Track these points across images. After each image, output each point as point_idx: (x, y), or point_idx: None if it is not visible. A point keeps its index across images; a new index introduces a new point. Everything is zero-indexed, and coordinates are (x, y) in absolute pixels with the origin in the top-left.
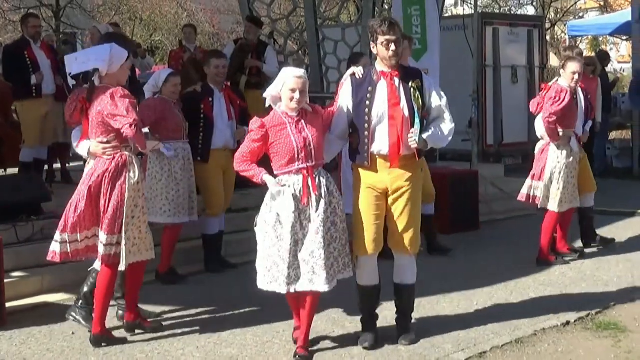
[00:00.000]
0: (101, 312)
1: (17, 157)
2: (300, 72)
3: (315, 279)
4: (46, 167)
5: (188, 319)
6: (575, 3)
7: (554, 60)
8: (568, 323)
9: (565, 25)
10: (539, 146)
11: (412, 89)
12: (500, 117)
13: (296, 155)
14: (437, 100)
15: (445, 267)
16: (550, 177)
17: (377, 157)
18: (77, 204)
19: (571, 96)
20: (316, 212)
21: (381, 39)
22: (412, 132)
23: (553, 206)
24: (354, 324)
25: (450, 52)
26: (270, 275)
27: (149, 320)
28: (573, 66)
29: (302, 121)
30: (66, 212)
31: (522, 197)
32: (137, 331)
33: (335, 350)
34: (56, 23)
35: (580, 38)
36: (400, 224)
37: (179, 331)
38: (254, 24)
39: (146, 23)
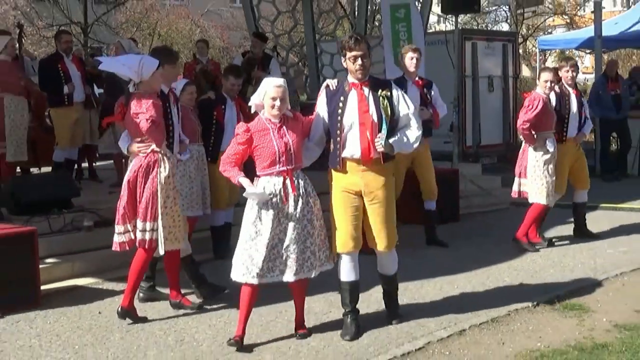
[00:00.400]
0: (131, 290)
1: (51, 157)
2: (280, 81)
3: (286, 270)
4: (76, 166)
5: (198, 300)
6: (545, 20)
7: (525, 71)
8: (538, 304)
9: (535, 40)
10: (522, 147)
11: (380, 98)
12: (478, 122)
13: (277, 159)
14: (405, 108)
15: (430, 255)
16: (533, 175)
17: (349, 160)
18: (122, 198)
19: (544, 103)
20: (294, 210)
21: (349, 54)
22: (379, 137)
23: (542, 200)
24: None
25: (434, 64)
26: (244, 268)
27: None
28: (545, 75)
29: (284, 127)
30: (117, 206)
31: (514, 193)
32: (152, 313)
33: (334, 332)
34: (84, 38)
35: (549, 51)
36: (375, 223)
37: (192, 311)
38: (259, 39)
39: (164, 38)
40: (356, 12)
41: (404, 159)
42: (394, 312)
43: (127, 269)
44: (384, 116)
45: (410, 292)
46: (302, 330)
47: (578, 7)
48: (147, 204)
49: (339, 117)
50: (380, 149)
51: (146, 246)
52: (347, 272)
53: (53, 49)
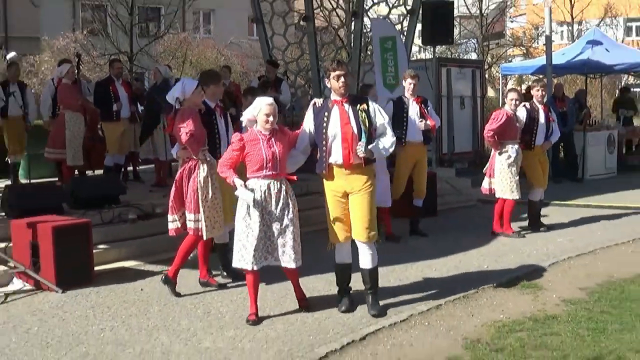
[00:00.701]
0: (178, 265)
1: (102, 163)
2: (271, 100)
3: (277, 257)
4: (122, 169)
5: (223, 281)
6: (506, 51)
7: (490, 92)
8: (501, 284)
9: (498, 67)
10: (492, 152)
11: (359, 112)
12: (452, 134)
13: (265, 164)
14: (381, 119)
15: (413, 243)
16: (499, 175)
17: (334, 166)
18: (170, 194)
19: (509, 117)
20: (275, 209)
21: (333, 74)
22: (360, 145)
23: (507, 195)
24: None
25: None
26: (240, 256)
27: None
28: (512, 95)
29: (272, 138)
30: (169, 201)
31: (484, 190)
32: (185, 289)
33: (333, 308)
34: (130, 65)
35: (509, 76)
36: (357, 217)
37: (217, 289)
38: (272, 65)
39: (194, 64)
40: (352, 43)
41: (409, 164)
42: (375, 307)
43: (165, 254)
44: (362, 127)
45: (396, 274)
46: (304, 303)
47: (532, 40)
48: (190, 200)
49: (324, 130)
50: (361, 154)
51: (192, 233)
52: (341, 257)
53: (106, 74)
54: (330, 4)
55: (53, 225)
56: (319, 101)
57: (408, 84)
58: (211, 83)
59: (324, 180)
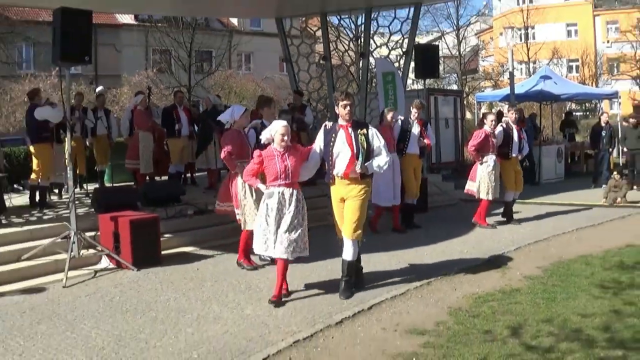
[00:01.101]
0: (242, 250)
1: (167, 170)
2: (285, 123)
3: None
4: (182, 176)
5: (261, 263)
6: (479, 83)
7: (468, 115)
8: (477, 265)
9: (474, 95)
10: (475, 162)
11: (359, 135)
12: (439, 147)
13: (278, 175)
14: (378, 142)
15: (409, 234)
16: (479, 180)
17: (337, 177)
18: (219, 188)
19: (487, 135)
20: (287, 210)
21: (341, 103)
22: (357, 163)
23: (485, 196)
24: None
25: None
26: (265, 246)
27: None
28: (490, 117)
29: (286, 154)
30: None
31: (467, 191)
32: (232, 269)
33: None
34: (189, 95)
35: (482, 103)
36: (347, 220)
37: (259, 269)
38: (298, 94)
39: (238, 94)
40: (360, 77)
41: (410, 170)
42: (344, 292)
43: (215, 241)
44: (360, 148)
45: (397, 258)
46: (284, 292)
47: (499, 75)
48: (235, 199)
49: (331, 148)
50: (358, 170)
51: (238, 222)
52: (345, 250)
53: (170, 102)
54: (343, 47)
55: (130, 218)
56: (329, 124)
57: (413, 112)
58: (265, 106)
59: (330, 187)
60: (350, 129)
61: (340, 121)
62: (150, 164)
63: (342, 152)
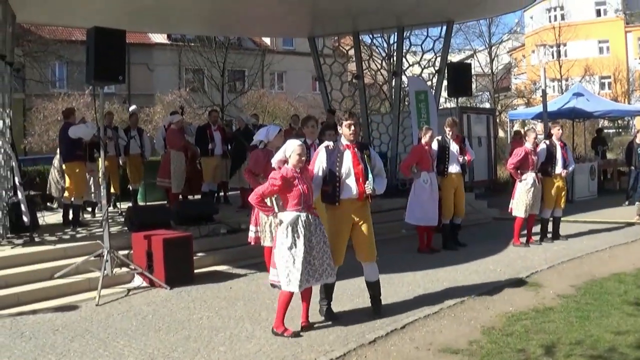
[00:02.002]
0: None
1: (200, 189)
2: (300, 142)
3: (311, 280)
4: (216, 194)
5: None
6: (512, 101)
7: (501, 133)
8: (510, 283)
9: (506, 113)
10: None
11: (365, 156)
12: (472, 165)
13: (301, 199)
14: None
15: (442, 252)
16: (518, 198)
17: (348, 199)
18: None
19: (527, 152)
20: (313, 236)
21: (345, 123)
22: (368, 183)
23: (520, 214)
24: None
25: (443, 129)
26: (287, 280)
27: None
28: (531, 134)
29: (302, 175)
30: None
31: (509, 209)
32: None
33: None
34: (222, 114)
35: (515, 121)
36: (365, 244)
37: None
38: (331, 113)
39: (271, 113)
40: (393, 96)
41: (451, 190)
42: (376, 311)
43: (248, 260)
44: (368, 168)
45: (429, 277)
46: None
47: (532, 93)
48: (256, 216)
49: (338, 168)
50: (369, 191)
51: (253, 241)
52: (371, 273)
53: (203, 121)
54: (376, 65)
55: (163, 237)
56: (330, 144)
57: (447, 130)
58: (304, 126)
59: (332, 211)
60: (355, 149)
61: (344, 141)
62: (182, 183)
63: (350, 174)
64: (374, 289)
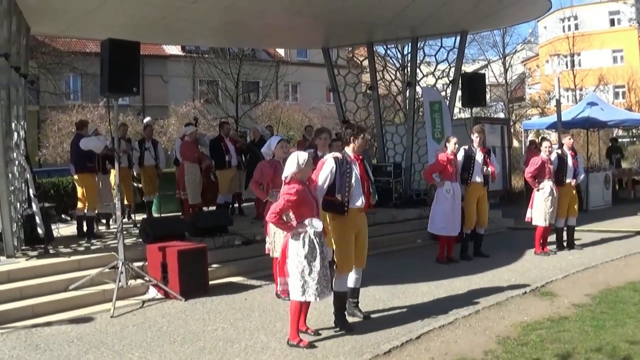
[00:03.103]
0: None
1: (215, 200)
2: (308, 154)
3: (326, 291)
4: (231, 205)
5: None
6: (526, 111)
7: (515, 143)
8: (525, 293)
9: (521, 123)
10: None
11: (367, 167)
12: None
13: (313, 209)
14: (372, 177)
15: (454, 264)
16: (537, 207)
17: (355, 209)
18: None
19: (543, 161)
20: (324, 246)
21: (362, 136)
22: (372, 194)
23: (541, 223)
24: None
25: (457, 139)
26: (302, 290)
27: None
28: (545, 143)
29: (310, 186)
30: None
31: (527, 219)
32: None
33: (394, 315)
34: (236, 126)
35: (529, 130)
36: (363, 251)
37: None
38: (346, 124)
39: (285, 124)
40: (407, 107)
41: (474, 200)
42: (364, 315)
43: (263, 271)
44: (372, 179)
45: (444, 287)
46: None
47: (546, 103)
48: (267, 226)
49: (348, 179)
50: (373, 202)
51: (267, 251)
52: (342, 286)
53: (217, 133)
54: (390, 76)
55: (178, 249)
56: (339, 155)
57: (475, 137)
58: (317, 136)
59: (340, 220)
60: (362, 162)
61: (351, 153)
62: (198, 195)
63: (358, 185)
64: (357, 294)
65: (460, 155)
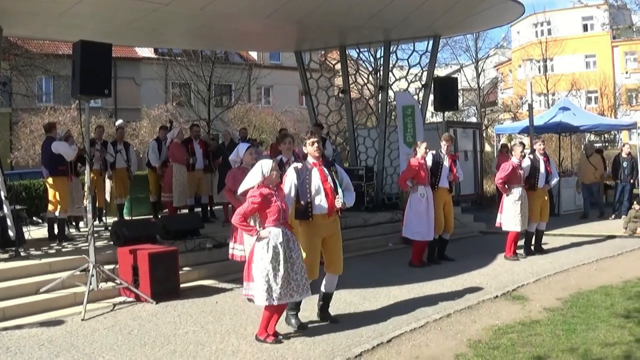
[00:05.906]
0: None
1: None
2: (273, 160)
3: (297, 291)
4: (201, 209)
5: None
6: (498, 115)
7: (487, 147)
8: (497, 296)
9: (493, 128)
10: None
11: (332, 172)
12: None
13: (280, 215)
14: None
15: (426, 268)
16: (507, 212)
17: (319, 215)
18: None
19: (514, 167)
20: (292, 251)
21: (308, 142)
22: (338, 197)
23: (512, 228)
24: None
25: (429, 143)
26: (266, 295)
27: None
28: (518, 148)
29: (277, 192)
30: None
31: (497, 224)
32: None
33: (365, 319)
34: (207, 129)
35: (501, 135)
36: (337, 257)
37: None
38: (318, 127)
39: (257, 127)
40: (379, 110)
41: (440, 204)
42: (331, 318)
43: (234, 275)
44: (337, 183)
45: (416, 290)
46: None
47: (518, 107)
48: (239, 234)
49: (308, 186)
50: (339, 205)
51: (239, 259)
52: (331, 284)
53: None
54: (363, 80)
55: (149, 251)
56: (299, 165)
57: (443, 144)
58: (280, 142)
59: (305, 226)
60: (323, 167)
61: (311, 159)
62: (184, 197)
63: (320, 191)
64: (329, 299)
65: (429, 160)
